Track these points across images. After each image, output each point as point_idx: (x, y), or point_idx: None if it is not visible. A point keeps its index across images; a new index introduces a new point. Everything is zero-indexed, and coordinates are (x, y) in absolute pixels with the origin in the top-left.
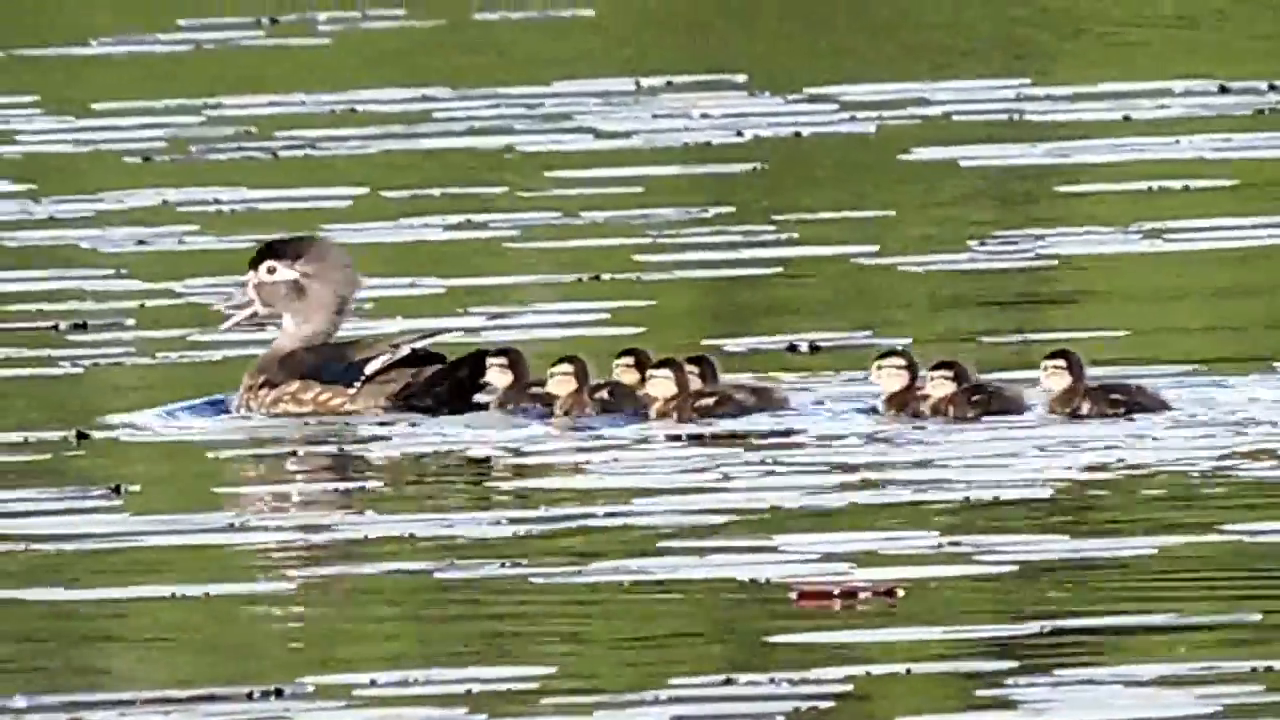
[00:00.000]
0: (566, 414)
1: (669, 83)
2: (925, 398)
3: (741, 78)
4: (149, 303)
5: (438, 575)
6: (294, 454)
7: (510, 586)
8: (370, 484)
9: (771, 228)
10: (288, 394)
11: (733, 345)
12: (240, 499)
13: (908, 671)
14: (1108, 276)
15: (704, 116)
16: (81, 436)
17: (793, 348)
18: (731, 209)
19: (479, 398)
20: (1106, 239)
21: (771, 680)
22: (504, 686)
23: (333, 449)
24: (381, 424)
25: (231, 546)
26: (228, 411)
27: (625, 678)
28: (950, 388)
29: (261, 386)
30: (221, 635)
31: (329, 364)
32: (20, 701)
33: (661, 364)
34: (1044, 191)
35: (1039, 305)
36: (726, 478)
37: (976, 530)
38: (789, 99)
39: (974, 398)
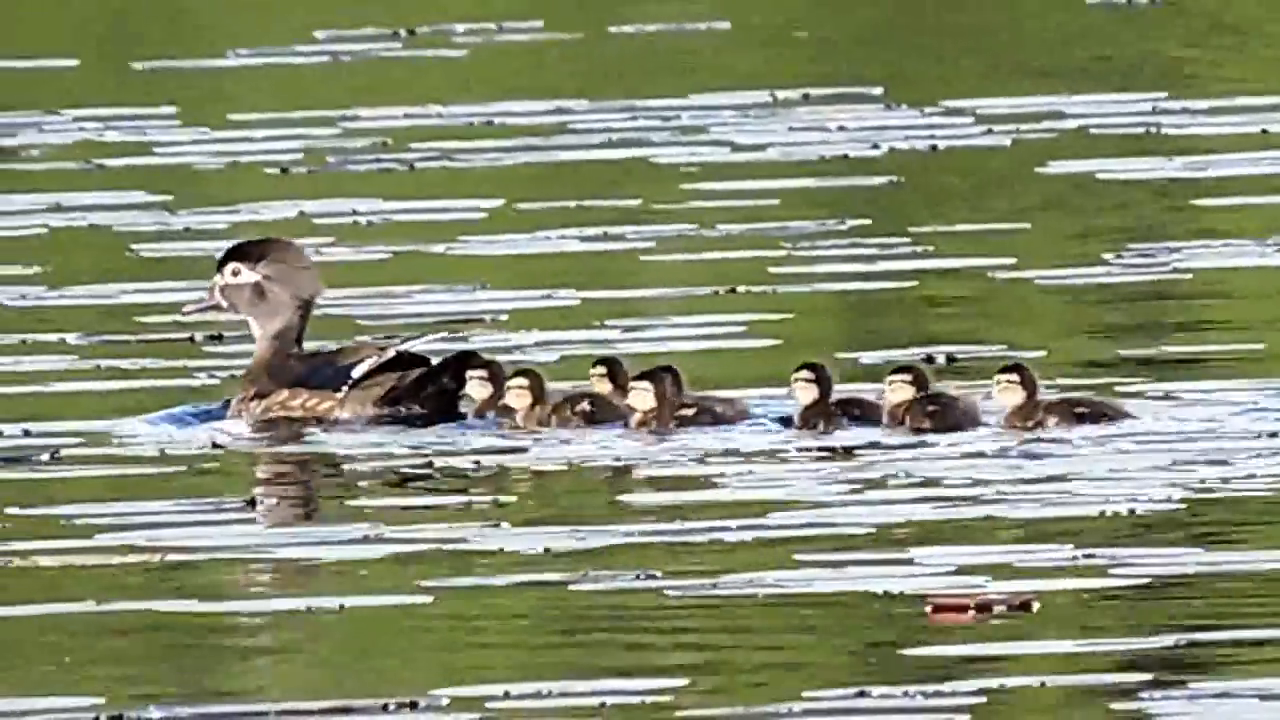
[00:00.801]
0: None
1: (805, 95)
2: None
3: (878, 90)
4: None
5: (572, 587)
6: (429, 465)
7: (644, 599)
8: (502, 497)
9: (907, 240)
10: (277, 403)
11: (869, 358)
12: (373, 512)
13: (1042, 685)
14: (1244, 290)
15: (840, 129)
16: (216, 447)
17: (929, 359)
18: (867, 221)
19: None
20: (1243, 252)
21: (905, 693)
22: (637, 699)
23: (468, 462)
24: (500, 437)
25: (366, 559)
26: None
27: (759, 690)
28: (909, 393)
29: (253, 398)
30: (356, 647)
31: (317, 370)
32: (155, 713)
33: (641, 376)
34: (1180, 205)
35: (1174, 319)
36: (859, 490)
37: (1111, 543)
38: (925, 112)
39: (929, 408)
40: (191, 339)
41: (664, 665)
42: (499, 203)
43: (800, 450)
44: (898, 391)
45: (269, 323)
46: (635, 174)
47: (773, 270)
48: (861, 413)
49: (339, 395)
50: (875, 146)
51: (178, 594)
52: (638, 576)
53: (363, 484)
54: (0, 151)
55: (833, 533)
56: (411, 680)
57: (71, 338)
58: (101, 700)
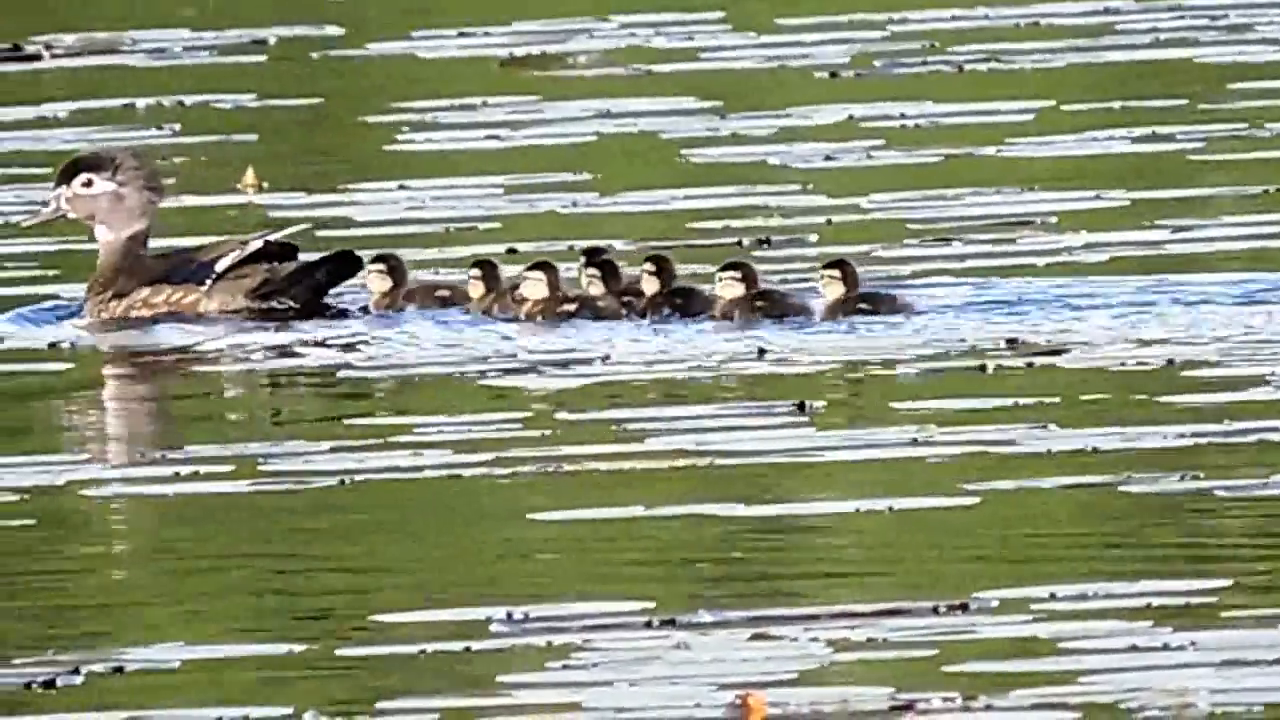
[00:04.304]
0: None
1: None
2: None
3: None
4: (835, 218)
5: (1120, 489)
6: (982, 367)
7: (1193, 498)
8: (1047, 399)
9: None
10: (140, 300)
11: None
12: (913, 414)
13: None
14: None
15: None
16: (762, 352)
17: None
18: None
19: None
20: None
21: None
22: (1184, 600)
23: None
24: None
25: (910, 460)
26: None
27: None
28: (739, 290)
29: (112, 298)
30: (906, 550)
31: (177, 268)
32: (705, 616)
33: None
34: None
35: None
36: None
37: None
38: None
39: (758, 303)
40: (739, 243)
41: (1214, 566)
42: (1047, 104)
43: None
44: (728, 288)
45: (125, 227)
46: (1182, 73)
47: None
48: None
49: (203, 288)
50: None
51: (727, 498)
52: (1182, 477)
53: (908, 385)
54: (549, 58)
55: None
56: (961, 582)
57: (620, 244)
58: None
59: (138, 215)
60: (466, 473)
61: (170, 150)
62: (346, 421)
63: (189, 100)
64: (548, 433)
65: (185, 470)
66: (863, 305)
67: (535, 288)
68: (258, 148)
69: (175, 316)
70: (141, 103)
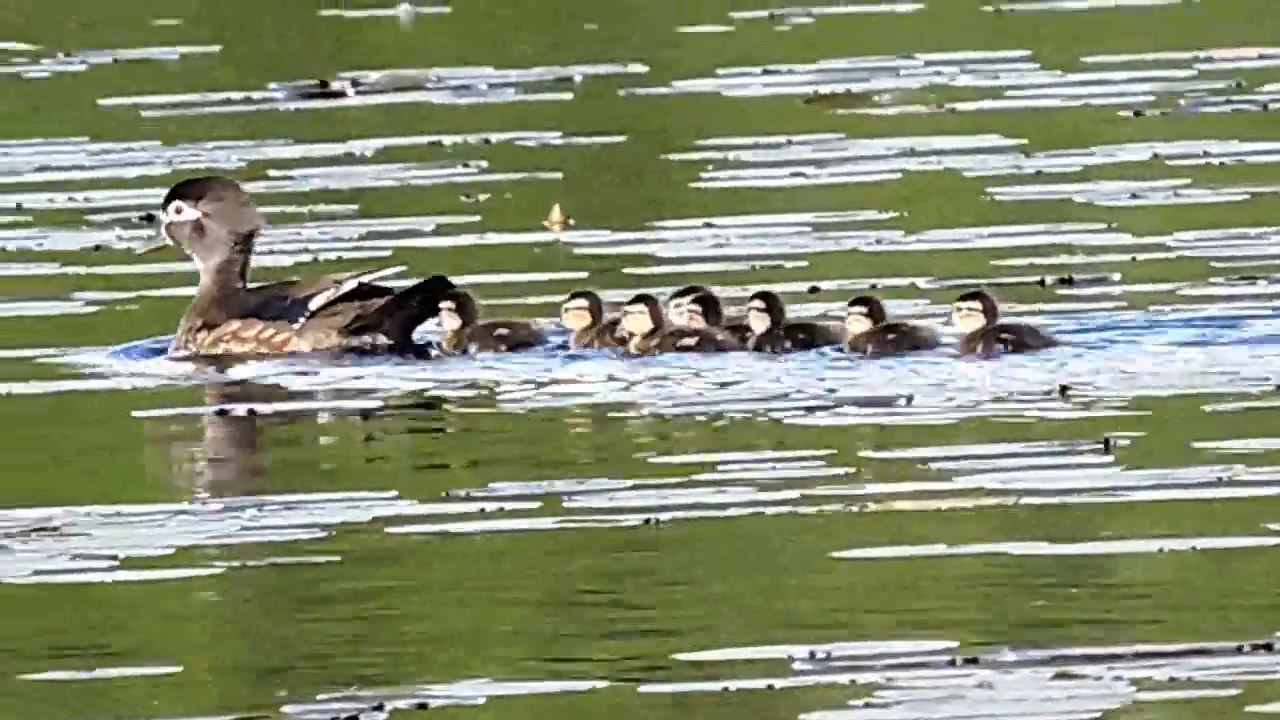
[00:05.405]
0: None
1: None
2: None
3: None
4: (1140, 256)
5: None
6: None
7: None
8: None
9: None
10: (228, 333)
11: None
12: (1218, 453)
13: None
14: None
15: None
16: (1065, 390)
17: None
18: None
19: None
20: None
21: None
22: None
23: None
24: None
25: (1215, 499)
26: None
27: None
28: (866, 325)
29: (200, 329)
30: (1210, 589)
31: (270, 302)
32: (1008, 655)
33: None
34: None
35: None
36: None
37: None
38: None
39: (889, 336)
40: (1041, 282)
41: None
42: None
43: None
44: (855, 323)
45: (209, 256)
46: None
47: None
48: None
49: (295, 326)
50: None
51: (1030, 536)
52: None
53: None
54: (853, 97)
55: None
56: (1264, 622)
57: (922, 282)
58: (954, 644)
59: (221, 246)
60: (770, 511)
61: (476, 188)
62: (651, 460)
63: (494, 138)
64: (851, 470)
65: (490, 507)
66: (1005, 336)
67: (639, 321)
68: (563, 185)
69: (270, 354)
70: (447, 140)
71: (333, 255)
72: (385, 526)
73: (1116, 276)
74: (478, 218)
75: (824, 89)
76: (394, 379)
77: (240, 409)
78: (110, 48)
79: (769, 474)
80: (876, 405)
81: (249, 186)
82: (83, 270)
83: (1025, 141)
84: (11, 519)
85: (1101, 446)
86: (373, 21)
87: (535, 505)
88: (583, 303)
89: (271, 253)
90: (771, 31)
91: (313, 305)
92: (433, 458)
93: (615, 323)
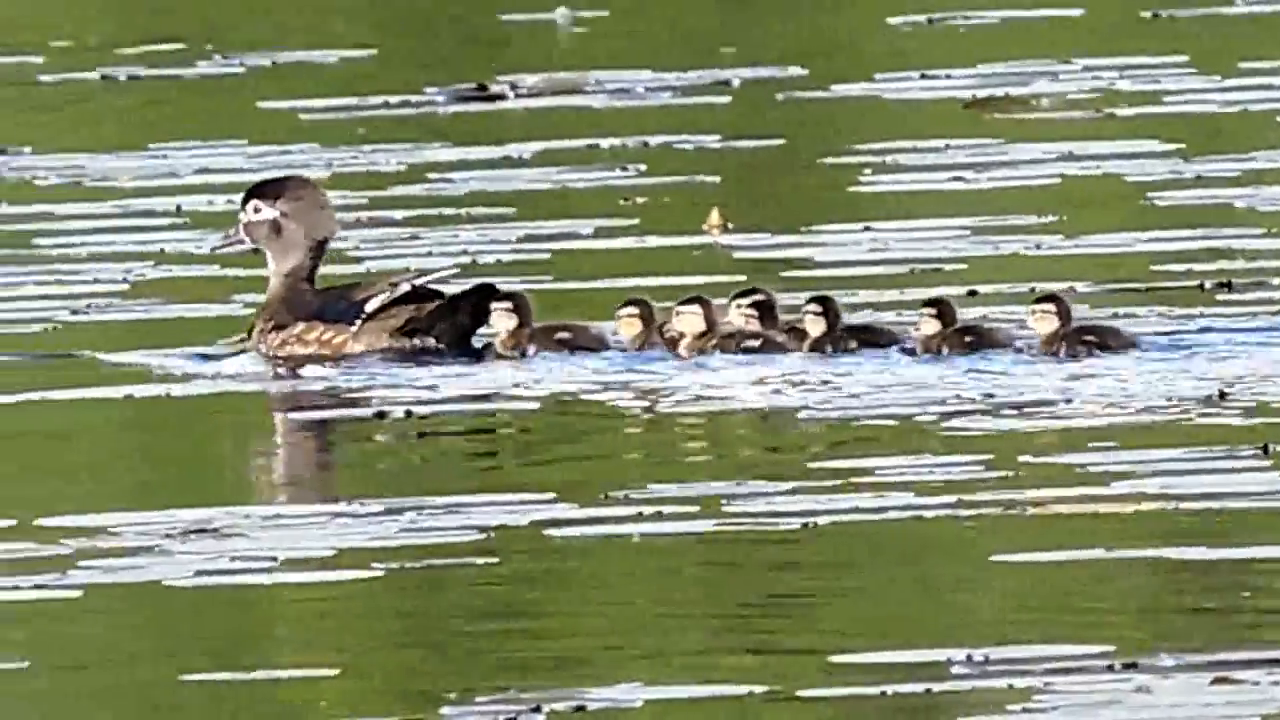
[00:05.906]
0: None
1: None
2: None
3: None
4: None
5: None
6: None
7: None
8: None
9: None
10: (293, 335)
11: None
12: None
13: None
14: None
15: None
16: (1223, 394)
17: None
18: None
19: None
20: None
21: None
22: None
23: None
24: None
25: None
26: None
27: None
28: (936, 326)
29: (271, 329)
30: None
31: (332, 304)
32: (1167, 660)
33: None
34: None
35: None
36: None
37: None
38: None
39: (966, 338)
40: (1201, 287)
41: None
42: None
43: None
44: (927, 324)
45: (283, 259)
46: None
47: None
48: None
49: (353, 328)
50: None
51: (1190, 541)
52: None
53: None
54: (1012, 101)
55: None
56: None
57: (1081, 286)
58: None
59: (296, 247)
60: (928, 514)
61: (633, 191)
62: (809, 464)
63: (653, 141)
64: (1009, 474)
65: (648, 510)
66: (1088, 339)
67: (691, 322)
68: (721, 189)
69: (329, 356)
70: (605, 143)
71: (490, 259)
72: (543, 529)
73: (1276, 281)
74: (636, 221)
75: (982, 93)
76: (546, 381)
77: (398, 410)
78: (269, 50)
79: (926, 477)
80: (1033, 408)
81: (331, 194)
82: (241, 273)
83: (1184, 146)
84: (171, 520)
85: (1261, 451)
86: (531, 25)
87: (694, 509)
88: (633, 310)
89: (430, 254)
90: (930, 35)
91: (369, 308)
92: (586, 462)
93: (664, 324)
